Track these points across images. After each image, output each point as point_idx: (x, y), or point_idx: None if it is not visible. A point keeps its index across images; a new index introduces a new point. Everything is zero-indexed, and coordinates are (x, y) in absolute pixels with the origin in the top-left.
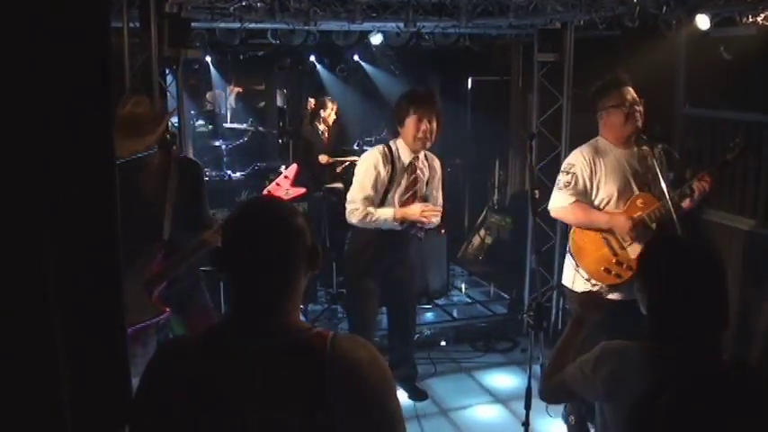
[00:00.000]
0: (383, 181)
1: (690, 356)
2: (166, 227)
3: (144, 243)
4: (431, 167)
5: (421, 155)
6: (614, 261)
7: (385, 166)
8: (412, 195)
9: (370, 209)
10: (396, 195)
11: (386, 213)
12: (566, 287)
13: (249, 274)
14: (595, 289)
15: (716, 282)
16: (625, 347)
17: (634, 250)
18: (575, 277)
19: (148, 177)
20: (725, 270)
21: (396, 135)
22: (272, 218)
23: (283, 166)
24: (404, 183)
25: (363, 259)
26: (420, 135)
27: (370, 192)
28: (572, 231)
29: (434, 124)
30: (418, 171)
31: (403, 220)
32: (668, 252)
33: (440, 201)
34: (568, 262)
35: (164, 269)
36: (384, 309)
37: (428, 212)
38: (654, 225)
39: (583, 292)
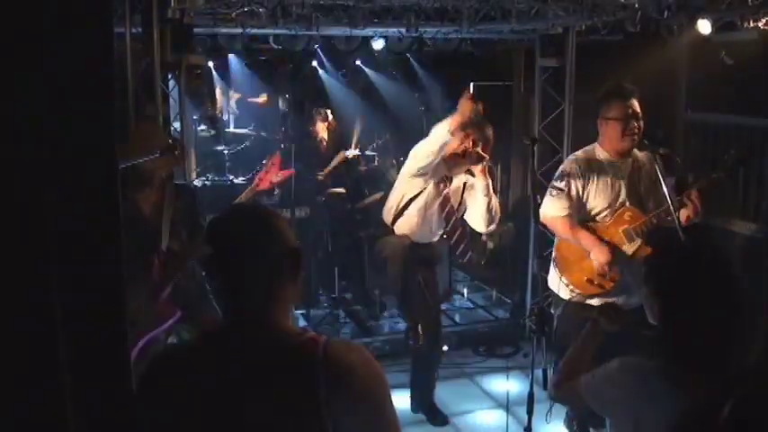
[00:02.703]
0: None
1: (725, 373)
2: (164, 240)
3: (144, 257)
4: (469, 189)
5: (461, 179)
6: (597, 272)
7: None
8: (450, 212)
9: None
10: (423, 205)
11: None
12: (552, 291)
13: (231, 280)
14: (576, 294)
15: (732, 289)
16: (645, 367)
17: (614, 263)
18: (559, 285)
19: (147, 198)
20: (738, 276)
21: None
22: (247, 220)
23: (268, 155)
24: (430, 198)
25: (389, 250)
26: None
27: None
28: (557, 240)
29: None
30: (452, 188)
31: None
32: (681, 260)
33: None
34: (552, 269)
35: (165, 275)
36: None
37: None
38: (638, 241)
39: (567, 300)
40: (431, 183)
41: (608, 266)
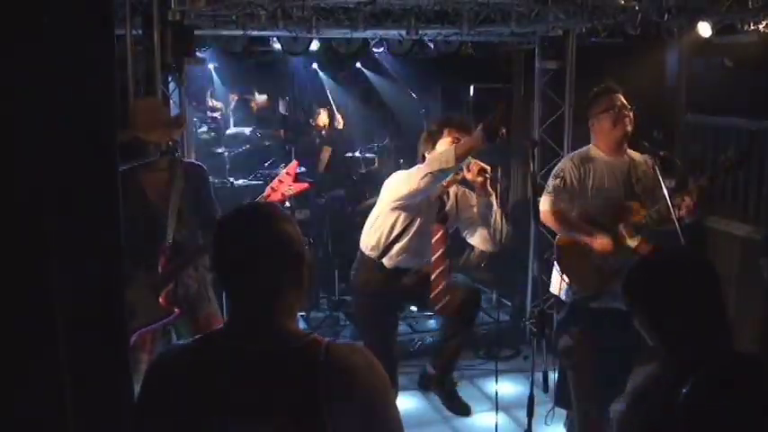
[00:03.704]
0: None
1: (703, 359)
2: (170, 231)
3: (148, 247)
4: (462, 201)
5: (452, 190)
6: (596, 269)
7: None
8: (443, 235)
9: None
10: (418, 229)
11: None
12: (554, 295)
13: (236, 278)
14: (578, 297)
15: (711, 288)
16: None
17: (615, 260)
18: (560, 285)
19: (153, 182)
20: (716, 273)
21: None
22: (257, 222)
23: (283, 164)
24: (429, 218)
25: (368, 291)
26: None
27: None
28: (557, 236)
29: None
30: (447, 207)
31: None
32: (654, 275)
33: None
34: (555, 271)
35: (169, 271)
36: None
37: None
38: (638, 238)
39: (569, 303)
40: (424, 206)
41: (612, 254)
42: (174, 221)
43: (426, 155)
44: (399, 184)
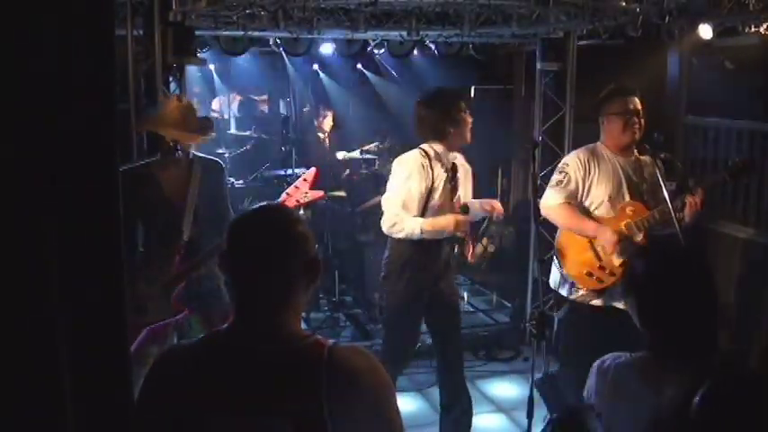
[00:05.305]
0: (422, 191)
1: (698, 366)
2: (186, 228)
3: (164, 244)
4: (462, 164)
5: (459, 155)
6: (597, 266)
7: (425, 172)
8: (455, 201)
9: (400, 215)
10: (437, 204)
11: (413, 224)
12: (554, 290)
13: (247, 279)
14: (580, 294)
15: (705, 285)
16: (622, 362)
17: (618, 257)
18: (560, 281)
19: (171, 179)
20: (710, 271)
21: (434, 139)
22: (272, 224)
23: (303, 169)
24: (446, 189)
25: (403, 282)
26: (469, 132)
27: (407, 206)
28: (559, 232)
29: None
30: (458, 174)
31: (433, 231)
32: (652, 266)
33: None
34: (554, 263)
35: (183, 270)
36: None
37: (462, 224)
38: (640, 235)
39: (569, 299)
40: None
41: (617, 245)
42: (191, 220)
43: (449, 130)
44: (387, 201)
